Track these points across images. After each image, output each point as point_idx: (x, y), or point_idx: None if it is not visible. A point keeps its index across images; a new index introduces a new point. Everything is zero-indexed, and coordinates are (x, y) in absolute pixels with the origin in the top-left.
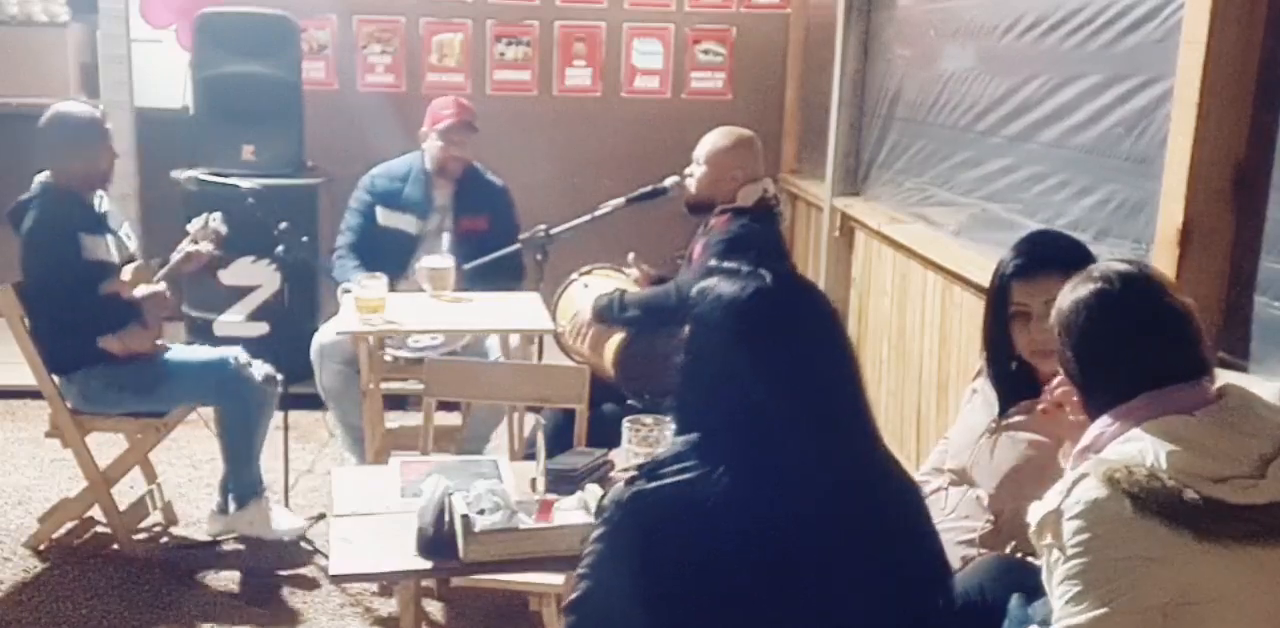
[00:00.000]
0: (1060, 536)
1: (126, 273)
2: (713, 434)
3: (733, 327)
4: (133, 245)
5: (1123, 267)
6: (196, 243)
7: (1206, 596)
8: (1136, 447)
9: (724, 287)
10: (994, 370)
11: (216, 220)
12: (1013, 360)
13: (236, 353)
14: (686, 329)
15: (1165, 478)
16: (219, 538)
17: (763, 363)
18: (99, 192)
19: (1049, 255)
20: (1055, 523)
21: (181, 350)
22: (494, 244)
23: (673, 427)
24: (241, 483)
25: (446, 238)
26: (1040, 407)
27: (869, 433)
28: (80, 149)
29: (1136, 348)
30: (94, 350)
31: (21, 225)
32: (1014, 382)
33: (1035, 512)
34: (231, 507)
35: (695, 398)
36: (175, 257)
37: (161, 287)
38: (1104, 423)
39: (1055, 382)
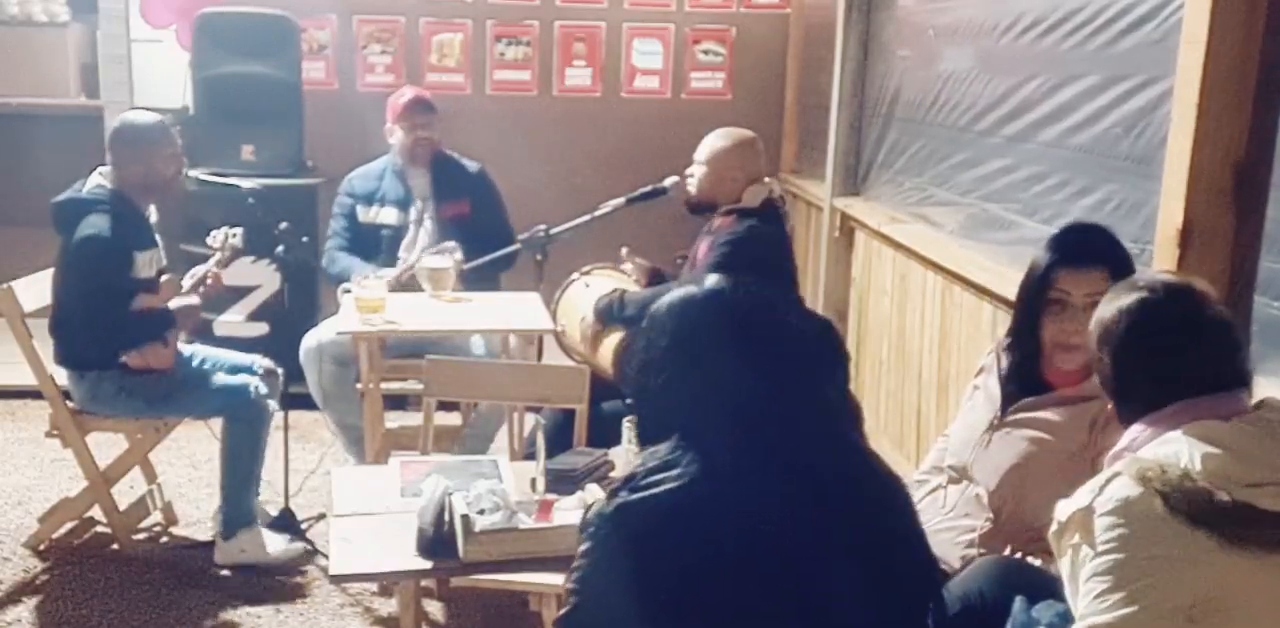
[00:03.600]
0: (1091, 532)
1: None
2: (691, 440)
3: (696, 326)
4: (163, 256)
5: (1167, 277)
6: (221, 264)
7: (1233, 601)
8: (1173, 448)
9: (680, 292)
10: (1013, 359)
11: (236, 237)
12: (1035, 352)
13: (257, 383)
14: (646, 336)
15: (1199, 479)
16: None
17: (731, 362)
18: (154, 203)
19: (1099, 250)
20: (1086, 520)
21: (204, 360)
22: (479, 227)
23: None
24: (236, 511)
25: (428, 227)
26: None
27: (848, 432)
28: (137, 155)
29: (1176, 356)
30: (113, 359)
31: (73, 225)
32: (1025, 376)
33: (1064, 509)
34: (219, 539)
35: (668, 404)
36: (200, 270)
37: (195, 299)
38: (1138, 429)
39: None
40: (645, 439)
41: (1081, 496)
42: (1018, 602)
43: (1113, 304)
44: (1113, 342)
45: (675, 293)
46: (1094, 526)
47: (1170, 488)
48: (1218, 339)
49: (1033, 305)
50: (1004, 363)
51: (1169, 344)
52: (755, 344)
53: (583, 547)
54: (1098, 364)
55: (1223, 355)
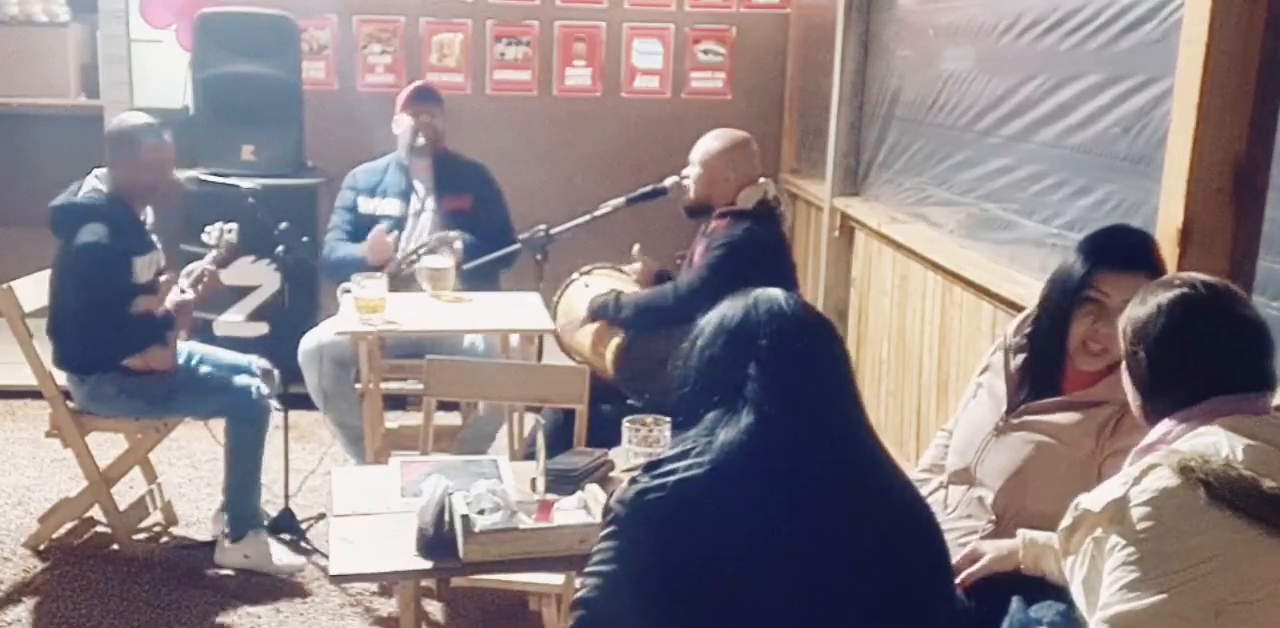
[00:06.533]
0: (1123, 523)
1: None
2: (714, 428)
3: (744, 333)
4: (161, 258)
5: (1205, 276)
6: (218, 260)
7: (1263, 593)
8: (1211, 440)
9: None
10: (1028, 359)
11: (232, 232)
12: (1058, 353)
13: (258, 383)
14: (707, 321)
15: (1241, 468)
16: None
17: (770, 363)
18: (149, 206)
19: (1145, 255)
20: (1118, 511)
21: (203, 359)
22: (480, 223)
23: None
24: (241, 513)
25: (428, 219)
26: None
27: (869, 433)
28: (129, 157)
29: (1214, 351)
30: (113, 362)
31: (72, 231)
32: (1041, 376)
33: (1088, 503)
34: (227, 541)
35: (702, 385)
36: (196, 267)
37: (190, 295)
38: (1170, 423)
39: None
40: (678, 425)
41: (1113, 488)
42: (1015, 602)
43: (1150, 300)
44: (1151, 335)
45: (744, 293)
46: (1128, 516)
47: (1214, 477)
48: (1253, 339)
49: (1064, 305)
50: (1013, 363)
51: (1208, 339)
52: (793, 340)
53: (605, 531)
54: (1131, 359)
55: (1255, 355)
